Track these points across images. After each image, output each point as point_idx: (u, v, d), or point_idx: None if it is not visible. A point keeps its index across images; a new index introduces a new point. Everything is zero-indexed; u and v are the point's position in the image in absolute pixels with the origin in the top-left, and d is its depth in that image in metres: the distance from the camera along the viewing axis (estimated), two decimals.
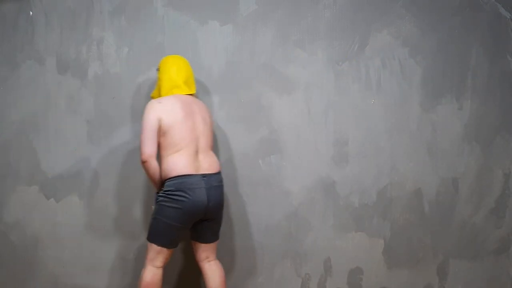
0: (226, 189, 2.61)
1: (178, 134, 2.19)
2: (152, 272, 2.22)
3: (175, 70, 2.31)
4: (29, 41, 2.64)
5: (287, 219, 2.65)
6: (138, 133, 2.62)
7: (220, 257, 2.50)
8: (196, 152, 2.23)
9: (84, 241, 2.64)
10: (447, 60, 2.69)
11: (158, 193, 2.26)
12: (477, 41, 2.70)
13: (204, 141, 2.27)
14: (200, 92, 2.63)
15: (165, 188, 2.20)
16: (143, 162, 2.19)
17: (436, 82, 2.68)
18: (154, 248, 2.22)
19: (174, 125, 2.19)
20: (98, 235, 2.63)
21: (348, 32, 2.66)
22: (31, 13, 2.65)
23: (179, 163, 2.18)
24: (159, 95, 2.33)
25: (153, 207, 2.29)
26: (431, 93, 2.68)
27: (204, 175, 2.20)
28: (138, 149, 2.61)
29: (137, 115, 2.63)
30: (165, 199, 2.18)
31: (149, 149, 2.18)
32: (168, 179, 2.19)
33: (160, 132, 2.20)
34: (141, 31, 2.64)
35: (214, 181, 2.24)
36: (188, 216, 2.18)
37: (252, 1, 2.65)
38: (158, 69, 2.38)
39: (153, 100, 2.25)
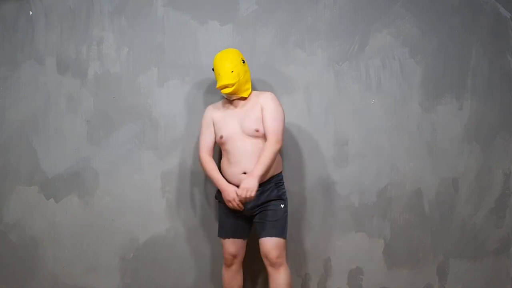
0: None
1: None
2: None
3: None
4: (29, 41, 2.64)
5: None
6: (137, 133, 2.62)
7: (218, 256, 2.49)
8: None
9: (84, 241, 2.64)
10: (447, 60, 2.69)
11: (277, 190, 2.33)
12: (477, 41, 2.70)
13: None
14: (200, 92, 2.63)
15: (283, 181, 2.37)
16: (278, 151, 2.28)
17: (436, 82, 2.68)
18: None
19: None
20: (98, 235, 2.63)
21: (348, 32, 2.66)
22: (31, 13, 2.65)
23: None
24: (250, 88, 2.39)
25: (282, 206, 2.29)
26: (431, 93, 2.68)
27: None
28: (137, 149, 2.62)
29: (137, 115, 2.63)
30: (286, 191, 2.37)
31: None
32: (280, 172, 2.37)
33: None
34: (141, 31, 2.64)
35: None
36: None
37: (252, 1, 2.64)
38: (244, 61, 2.36)
39: (274, 96, 2.37)
